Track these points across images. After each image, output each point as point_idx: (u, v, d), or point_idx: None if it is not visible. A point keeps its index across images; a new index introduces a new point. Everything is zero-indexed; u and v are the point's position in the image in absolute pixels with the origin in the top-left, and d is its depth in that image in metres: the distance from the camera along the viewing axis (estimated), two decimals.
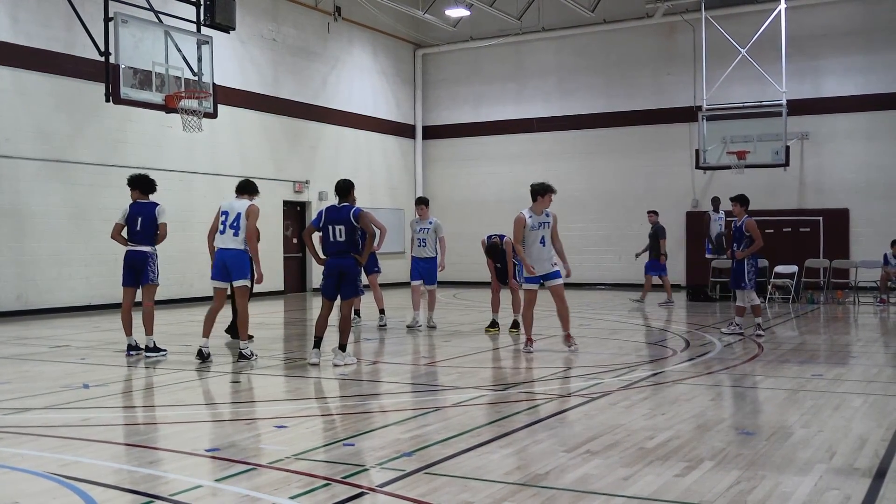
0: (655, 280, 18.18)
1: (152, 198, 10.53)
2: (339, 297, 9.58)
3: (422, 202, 13.29)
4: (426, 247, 13.02)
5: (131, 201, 10.45)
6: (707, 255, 19.12)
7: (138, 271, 10.33)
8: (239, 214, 9.86)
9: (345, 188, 9.82)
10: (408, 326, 13.19)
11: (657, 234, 18.25)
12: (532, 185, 10.81)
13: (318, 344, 9.68)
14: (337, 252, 9.45)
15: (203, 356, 9.82)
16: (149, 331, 10.32)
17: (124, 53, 13.02)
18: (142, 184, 10.47)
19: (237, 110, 20.17)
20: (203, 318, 10.05)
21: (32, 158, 15.99)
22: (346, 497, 4.68)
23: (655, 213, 18.68)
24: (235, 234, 9.84)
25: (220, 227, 9.90)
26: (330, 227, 9.45)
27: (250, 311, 10.28)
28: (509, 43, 25.63)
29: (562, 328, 10.70)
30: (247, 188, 10.21)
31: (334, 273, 9.49)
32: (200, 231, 10.35)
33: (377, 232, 10.68)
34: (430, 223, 13.07)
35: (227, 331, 11.93)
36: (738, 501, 4.59)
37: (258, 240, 10.32)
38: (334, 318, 9.81)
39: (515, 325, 12.69)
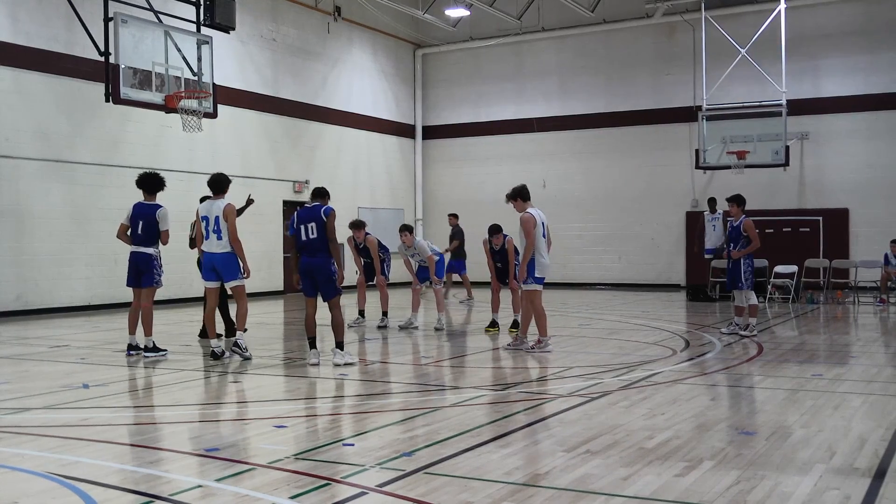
0: (456, 278, 18.02)
1: (159, 197, 10.48)
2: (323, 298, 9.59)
3: (405, 229, 13.29)
4: (425, 263, 13.35)
5: (137, 201, 10.46)
6: (706, 256, 19.11)
7: (142, 273, 10.35)
8: (218, 218, 9.86)
9: (321, 193, 9.85)
10: (400, 326, 13.25)
11: (455, 236, 18.26)
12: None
13: (313, 344, 9.70)
14: (308, 251, 9.47)
15: (216, 356, 9.93)
16: (148, 331, 10.34)
17: (124, 53, 13.03)
18: (145, 184, 10.43)
19: (237, 110, 20.17)
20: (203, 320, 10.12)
21: (32, 158, 15.99)
22: (346, 497, 4.68)
23: (456, 216, 18.52)
24: (219, 238, 9.88)
25: (204, 233, 9.95)
26: (302, 227, 9.49)
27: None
28: (509, 43, 25.64)
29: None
30: (220, 185, 10.07)
31: (306, 271, 9.53)
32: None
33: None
34: (416, 248, 13.20)
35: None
36: (737, 501, 4.59)
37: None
38: (328, 319, 9.79)
39: (515, 324, 12.69)
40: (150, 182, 10.41)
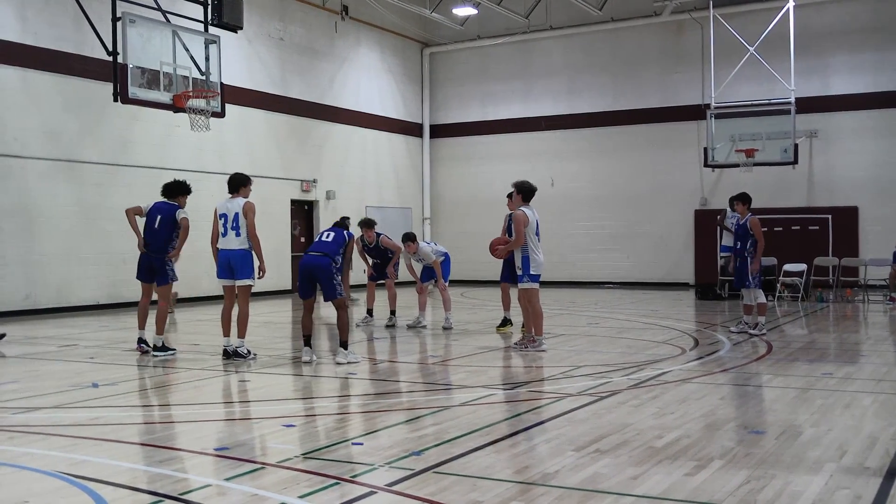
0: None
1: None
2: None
3: (409, 239, 13.25)
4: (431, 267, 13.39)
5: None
6: (721, 255, 18.96)
7: (155, 270, 10.46)
8: (237, 214, 9.92)
9: (344, 225, 10.16)
10: (408, 325, 13.28)
11: None
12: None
13: (307, 342, 9.81)
14: (315, 252, 9.60)
15: (228, 354, 9.96)
16: (159, 330, 10.40)
17: (132, 53, 13.05)
18: (166, 190, 10.71)
19: (245, 109, 20.19)
20: (219, 318, 10.25)
21: (41, 158, 16.03)
22: (355, 496, 4.68)
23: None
24: (237, 235, 9.93)
25: (222, 230, 9.99)
26: (324, 232, 9.93)
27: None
28: (517, 41, 25.61)
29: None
30: (239, 184, 10.17)
31: (305, 273, 9.61)
32: (208, 230, 10.38)
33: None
34: (421, 255, 13.21)
35: None
36: (747, 501, 4.57)
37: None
38: (334, 318, 9.86)
39: None
40: (169, 189, 10.69)
